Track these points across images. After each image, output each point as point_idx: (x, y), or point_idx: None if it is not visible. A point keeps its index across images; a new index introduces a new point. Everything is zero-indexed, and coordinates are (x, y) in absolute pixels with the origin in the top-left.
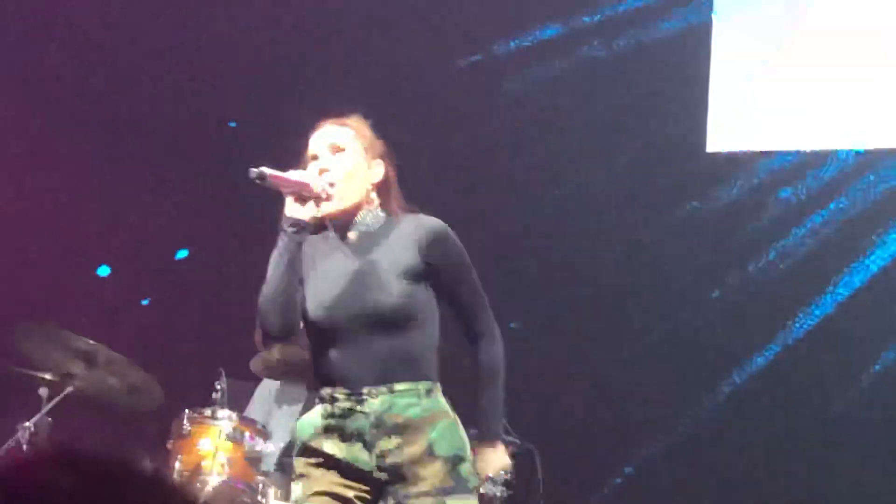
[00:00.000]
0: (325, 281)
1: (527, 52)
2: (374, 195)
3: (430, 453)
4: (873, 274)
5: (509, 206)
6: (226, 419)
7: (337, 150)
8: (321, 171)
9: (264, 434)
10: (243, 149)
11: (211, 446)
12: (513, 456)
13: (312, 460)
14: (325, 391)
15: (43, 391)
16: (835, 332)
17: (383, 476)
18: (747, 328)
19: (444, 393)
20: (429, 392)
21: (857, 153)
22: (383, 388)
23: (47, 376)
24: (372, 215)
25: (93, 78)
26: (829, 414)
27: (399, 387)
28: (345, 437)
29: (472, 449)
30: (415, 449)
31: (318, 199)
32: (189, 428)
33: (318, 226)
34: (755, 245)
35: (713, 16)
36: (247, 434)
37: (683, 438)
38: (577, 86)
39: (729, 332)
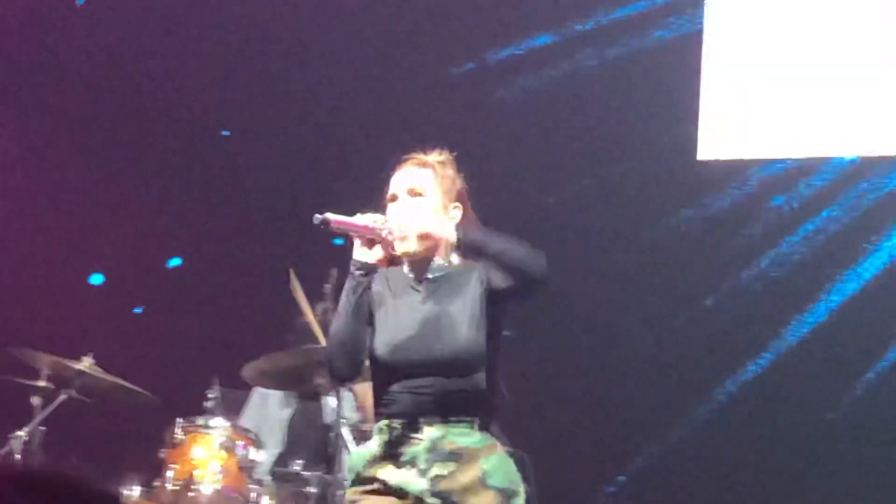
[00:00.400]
0: (397, 322)
1: (519, 61)
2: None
3: (482, 483)
4: (866, 282)
5: (502, 215)
6: (219, 428)
7: (415, 193)
8: (398, 214)
9: (257, 443)
10: (236, 157)
11: (204, 455)
12: None
13: (366, 487)
14: (383, 423)
15: (36, 400)
16: (828, 340)
17: (435, 501)
18: (740, 336)
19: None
20: (482, 426)
21: (850, 161)
22: (438, 419)
23: (40, 384)
24: (444, 260)
25: (86, 86)
26: (822, 422)
27: (454, 418)
28: (399, 463)
29: None
30: (467, 476)
31: (385, 243)
32: (182, 437)
33: (391, 263)
34: (748, 253)
35: (703, 25)
36: (240, 443)
37: (677, 446)
38: (569, 94)
39: (722, 340)
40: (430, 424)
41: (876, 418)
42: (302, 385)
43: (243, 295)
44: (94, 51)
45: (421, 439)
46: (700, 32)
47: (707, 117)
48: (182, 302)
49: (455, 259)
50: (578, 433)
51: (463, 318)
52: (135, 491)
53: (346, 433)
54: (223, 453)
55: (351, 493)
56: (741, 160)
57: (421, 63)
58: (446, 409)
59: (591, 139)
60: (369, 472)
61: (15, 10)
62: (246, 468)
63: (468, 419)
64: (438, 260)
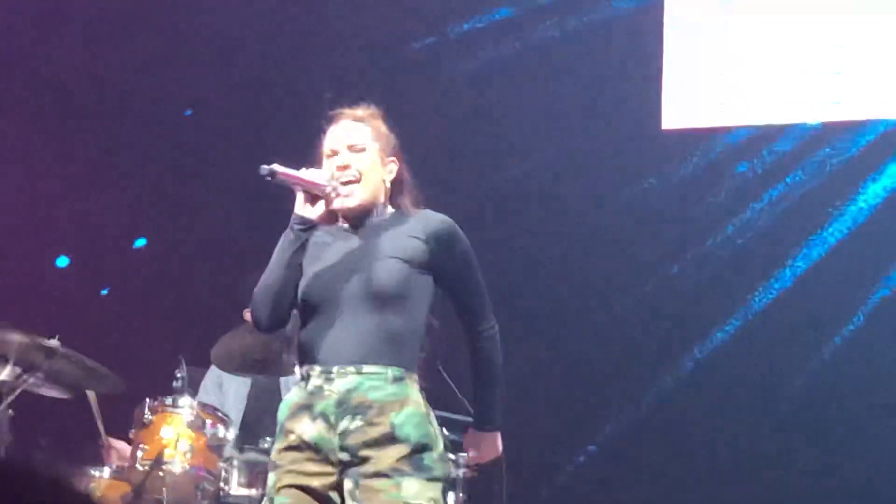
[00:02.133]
0: (323, 262)
1: (480, 34)
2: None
3: (391, 437)
4: (831, 247)
5: (464, 188)
6: (187, 407)
7: (356, 149)
8: (339, 168)
9: (225, 421)
10: (199, 137)
11: (173, 434)
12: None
13: (283, 444)
14: (303, 369)
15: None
16: (794, 306)
17: (344, 456)
18: (707, 303)
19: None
20: (397, 379)
21: (813, 127)
22: (352, 368)
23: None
24: (381, 212)
25: (50, 68)
26: (790, 387)
27: (367, 369)
28: (314, 416)
29: (467, 436)
30: (377, 430)
31: (328, 199)
32: (150, 417)
33: (330, 220)
34: (713, 220)
35: None
36: (208, 421)
37: (646, 415)
38: (532, 66)
39: (689, 308)
40: (344, 375)
41: (843, 382)
42: (266, 365)
43: (209, 274)
44: (57, 32)
45: (332, 392)
46: (661, 1)
47: (670, 86)
48: (148, 282)
49: (389, 209)
50: (547, 404)
51: (386, 255)
52: (104, 472)
53: None
54: (192, 432)
55: (274, 453)
56: (705, 128)
57: (382, 38)
58: (362, 355)
59: (555, 111)
60: (289, 425)
61: None
62: (215, 447)
63: (382, 369)
64: (377, 213)
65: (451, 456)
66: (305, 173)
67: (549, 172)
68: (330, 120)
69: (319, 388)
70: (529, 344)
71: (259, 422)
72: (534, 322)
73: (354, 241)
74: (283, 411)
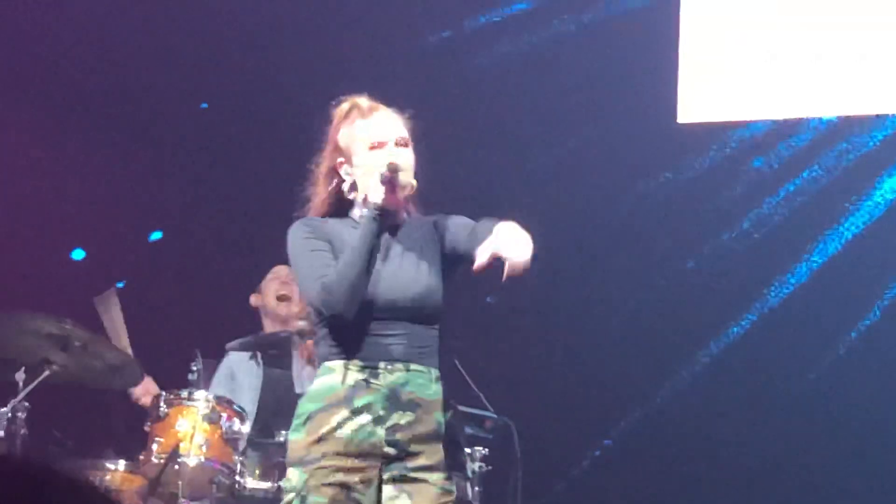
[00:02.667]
0: (383, 265)
1: (497, 28)
2: None
3: (437, 434)
4: (847, 241)
5: (481, 182)
6: (202, 400)
7: (405, 143)
8: (394, 165)
9: (241, 414)
10: (215, 130)
11: (188, 427)
12: (490, 430)
13: (312, 438)
14: (336, 363)
15: (19, 376)
16: (810, 300)
17: (391, 451)
18: (723, 298)
19: None
20: (438, 379)
21: (829, 121)
22: (400, 366)
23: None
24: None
25: (65, 60)
26: (806, 382)
27: (414, 367)
28: (354, 409)
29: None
30: (426, 427)
31: (402, 191)
32: (166, 410)
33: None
34: (729, 215)
35: None
36: (224, 415)
37: (662, 409)
38: (547, 60)
39: (705, 303)
40: (392, 372)
41: (858, 378)
42: (280, 355)
43: (224, 267)
44: (74, 25)
45: (380, 385)
46: None
47: (686, 80)
48: (164, 275)
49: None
50: (563, 398)
51: (429, 267)
52: (119, 464)
53: None
54: (207, 425)
55: (300, 445)
56: (721, 122)
57: (398, 31)
58: (409, 357)
59: (571, 104)
60: (321, 417)
61: None
62: (230, 440)
63: (426, 369)
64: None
65: (468, 450)
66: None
67: (564, 166)
68: (357, 108)
69: (363, 382)
70: (544, 338)
71: (273, 415)
72: (548, 316)
73: (395, 244)
74: (312, 403)
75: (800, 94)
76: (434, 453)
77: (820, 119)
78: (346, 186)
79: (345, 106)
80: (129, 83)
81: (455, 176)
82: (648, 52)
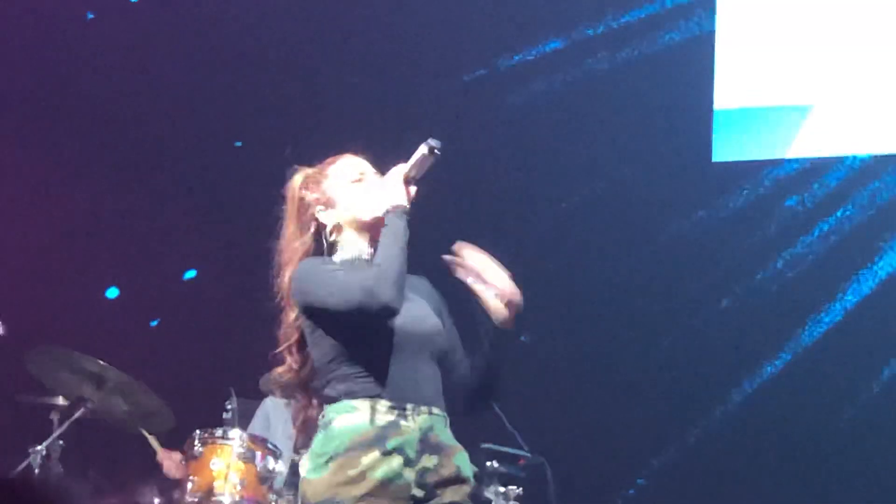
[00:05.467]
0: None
1: (531, 66)
2: None
3: (458, 477)
4: (881, 280)
5: (516, 220)
6: (237, 439)
7: (379, 174)
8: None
9: (275, 453)
10: (249, 168)
11: (223, 466)
12: (524, 469)
13: (341, 478)
14: (362, 402)
15: (54, 415)
16: (844, 340)
17: (419, 492)
18: (757, 337)
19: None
20: (449, 423)
21: (863, 159)
22: (425, 409)
23: (59, 401)
24: None
25: (101, 99)
26: (840, 421)
27: (435, 410)
28: (385, 450)
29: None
30: (448, 471)
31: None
32: (201, 449)
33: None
34: (763, 254)
35: (716, 26)
36: (258, 453)
37: (695, 448)
38: (582, 98)
39: (738, 341)
40: (420, 414)
41: (893, 416)
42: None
43: (259, 305)
44: (107, 63)
45: (412, 428)
46: (712, 34)
47: (721, 118)
48: (198, 314)
49: None
50: (596, 437)
51: (441, 314)
52: (155, 503)
53: None
54: (242, 464)
55: (329, 484)
56: (755, 161)
57: (433, 70)
58: (430, 397)
59: (605, 143)
60: (351, 456)
61: (27, 25)
62: (265, 479)
63: (442, 413)
64: None
65: (501, 489)
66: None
67: (599, 205)
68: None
69: (394, 424)
70: (579, 376)
71: None
72: (584, 354)
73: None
74: (333, 442)
75: (833, 133)
76: (455, 494)
77: (853, 157)
78: (328, 228)
79: (298, 176)
80: (164, 121)
81: (489, 212)
82: (683, 90)
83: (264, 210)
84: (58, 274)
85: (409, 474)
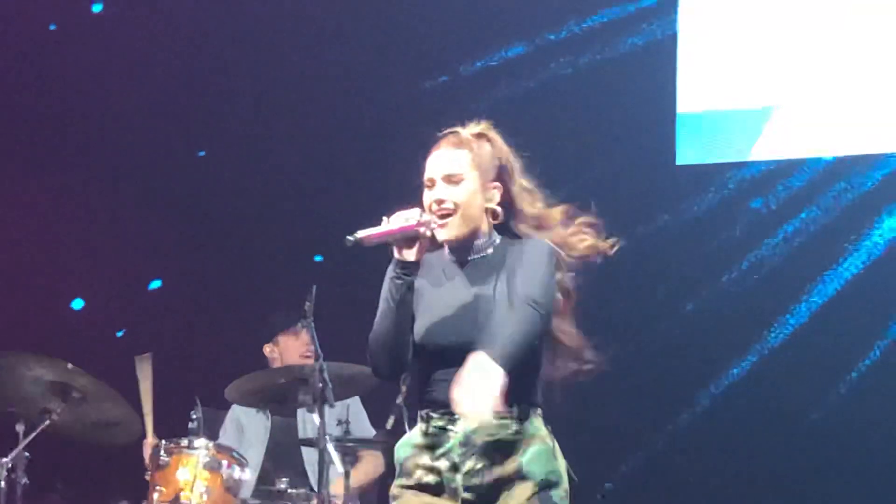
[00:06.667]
0: (436, 306)
1: (493, 72)
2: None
3: (519, 476)
4: (847, 281)
5: None
6: (202, 448)
7: (452, 181)
8: (435, 202)
9: (241, 462)
10: (212, 178)
11: (189, 476)
12: None
13: (403, 482)
14: (423, 411)
15: (19, 427)
16: (811, 341)
17: (470, 496)
18: (723, 340)
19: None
20: (523, 416)
21: (827, 161)
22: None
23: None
24: (486, 241)
25: (64, 110)
26: (807, 422)
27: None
28: (435, 456)
29: None
30: (504, 470)
31: (423, 237)
32: (166, 458)
33: (434, 244)
34: (728, 256)
35: (678, 29)
36: (224, 462)
37: (662, 452)
38: (545, 104)
39: (704, 345)
40: (458, 418)
41: (860, 418)
42: (284, 403)
43: (223, 315)
44: (69, 74)
45: (456, 432)
46: (674, 38)
47: (684, 121)
48: (163, 324)
49: (497, 238)
50: (563, 442)
51: (501, 300)
52: None
53: (331, 449)
54: (208, 473)
55: (394, 487)
56: (719, 164)
57: (395, 77)
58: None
59: (569, 147)
60: (409, 464)
61: None
62: (231, 488)
63: (506, 409)
64: (480, 240)
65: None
66: (393, 221)
67: None
68: (434, 144)
69: (443, 429)
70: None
71: (276, 462)
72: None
73: (461, 282)
74: (403, 450)
75: (797, 134)
76: (512, 497)
77: (818, 159)
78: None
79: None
80: (127, 134)
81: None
82: (646, 95)
83: (229, 220)
84: (23, 285)
85: (457, 478)
